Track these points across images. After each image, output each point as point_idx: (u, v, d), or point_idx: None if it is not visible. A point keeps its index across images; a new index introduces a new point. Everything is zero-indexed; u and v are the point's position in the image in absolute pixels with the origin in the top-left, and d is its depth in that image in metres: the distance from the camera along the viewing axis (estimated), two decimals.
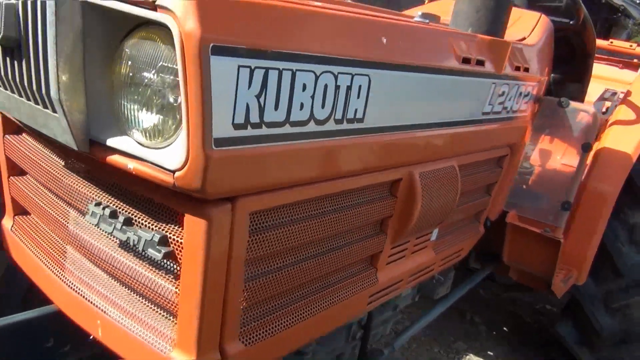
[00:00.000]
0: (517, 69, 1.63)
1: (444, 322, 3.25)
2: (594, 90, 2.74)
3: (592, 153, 2.08)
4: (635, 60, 3.11)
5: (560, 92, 2.62)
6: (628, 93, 2.53)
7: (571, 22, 2.33)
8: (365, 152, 1.08)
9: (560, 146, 1.92)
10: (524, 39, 1.88)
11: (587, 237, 2.35)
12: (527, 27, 1.95)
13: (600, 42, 4.31)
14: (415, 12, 1.41)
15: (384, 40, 1.04)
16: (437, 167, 1.40)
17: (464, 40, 1.37)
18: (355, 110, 1.01)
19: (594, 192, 2.34)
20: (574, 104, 1.86)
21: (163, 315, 0.97)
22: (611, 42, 4.21)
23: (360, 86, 0.99)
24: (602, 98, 2.77)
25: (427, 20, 1.39)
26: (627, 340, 2.47)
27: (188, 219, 0.85)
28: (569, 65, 2.57)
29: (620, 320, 2.46)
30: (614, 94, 2.64)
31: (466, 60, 1.33)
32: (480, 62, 1.41)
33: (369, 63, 1.00)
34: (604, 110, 2.62)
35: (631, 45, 4.13)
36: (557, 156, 1.92)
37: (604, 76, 3.14)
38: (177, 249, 0.89)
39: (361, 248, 1.28)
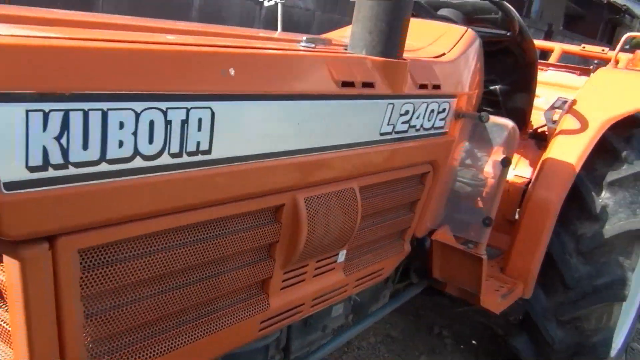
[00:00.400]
0: (424, 86, 1.63)
1: (410, 336, 3.23)
2: (553, 99, 2.72)
3: (539, 164, 2.07)
4: (592, 67, 3.09)
5: (508, 103, 2.63)
6: (573, 102, 2.52)
7: (508, 34, 2.33)
8: (221, 182, 1.09)
9: (482, 161, 1.90)
10: (442, 55, 1.87)
11: (531, 249, 2.33)
12: (450, 43, 1.95)
13: (572, 48, 4.30)
14: (302, 37, 1.41)
15: (232, 72, 1.05)
16: (328, 191, 1.40)
17: (349, 63, 1.38)
18: (198, 143, 1.01)
19: (537, 203, 2.33)
20: (493, 119, 1.85)
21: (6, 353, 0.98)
22: (583, 47, 4.20)
23: (200, 119, 1.00)
24: (552, 107, 2.75)
25: (313, 45, 1.40)
26: (580, 353, 2.43)
27: (5, 259, 0.86)
28: (514, 75, 2.56)
29: (571, 333, 2.43)
30: (565, 102, 2.63)
31: (347, 84, 1.34)
32: (368, 84, 1.41)
33: (209, 96, 1.01)
34: (554, 119, 2.60)
35: (603, 50, 4.11)
36: (478, 172, 1.90)
37: (561, 84, 3.12)
38: (2, 287, 0.90)
39: (244, 274, 1.29)
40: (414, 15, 2.48)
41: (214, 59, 1.04)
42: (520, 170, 2.65)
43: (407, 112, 1.59)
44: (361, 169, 1.50)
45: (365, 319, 1.94)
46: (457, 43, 1.95)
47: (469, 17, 2.37)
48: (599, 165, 2.48)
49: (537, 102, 3.05)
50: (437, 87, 1.70)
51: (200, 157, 1.03)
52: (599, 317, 2.39)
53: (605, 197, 2.39)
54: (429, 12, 2.37)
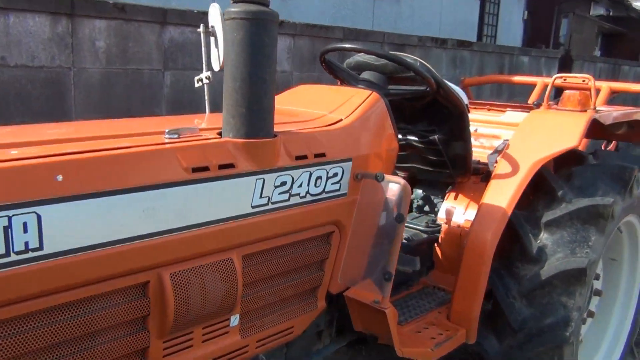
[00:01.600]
0: (302, 157, 1.77)
1: None
2: None
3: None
4: (534, 106, 3.13)
5: (449, 151, 2.72)
6: (507, 145, 2.58)
7: (427, 89, 2.44)
8: (57, 272, 1.27)
9: (381, 219, 2.00)
10: (338, 121, 2.01)
11: (470, 293, 2.38)
12: (350, 108, 2.09)
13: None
14: (165, 129, 1.59)
15: (60, 178, 1.25)
16: (198, 264, 1.55)
17: (205, 149, 1.55)
18: (26, 242, 1.20)
19: (472, 248, 2.39)
20: (388, 177, 1.95)
21: None
22: (565, 80, 4.23)
23: (25, 223, 1.19)
24: (495, 150, 2.82)
25: (177, 135, 1.59)
26: None
27: None
28: (449, 124, 2.66)
29: None
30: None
31: (200, 169, 1.50)
32: (227, 166, 1.57)
33: (35, 202, 1.21)
34: (495, 163, 2.66)
35: (584, 80, 4.13)
36: (378, 229, 2.00)
37: (517, 123, 3.17)
38: None
39: (121, 345, 1.45)
40: (339, 79, 2.66)
41: (41, 169, 1.24)
42: (470, 214, 2.70)
43: (284, 184, 1.73)
44: (237, 240, 1.65)
45: None
46: (357, 107, 2.09)
47: (391, 77, 2.50)
48: (540, 205, 2.50)
49: (497, 143, 3.12)
50: (320, 155, 1.84)
51: (31, 254, 1.21)
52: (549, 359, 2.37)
53: (543, 238, 2.41)
54: (352, 77, 2.53)
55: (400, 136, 2.84)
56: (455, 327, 2.39)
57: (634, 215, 2.82)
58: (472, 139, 3.36)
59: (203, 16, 2.60)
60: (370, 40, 4.78)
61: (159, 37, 3.34)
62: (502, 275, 2.44)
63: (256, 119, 1.64)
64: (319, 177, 1.85)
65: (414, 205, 3.10)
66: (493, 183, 2.51)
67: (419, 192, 3.07)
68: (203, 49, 2.24)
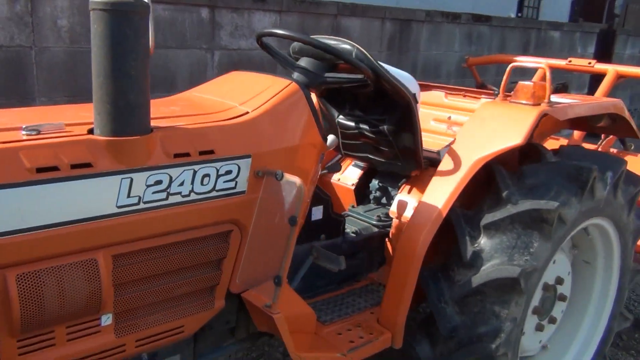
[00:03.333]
0: (183, 155, 1.69)
1: None
2: None
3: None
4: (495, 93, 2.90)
5: (399, 143, 2.58)
6: (453, 141, 2.41)
7: (365, 78, 2.31)
8: None
9: (277, 220, 1.90)
10: (243, 114, 1.91)
11: (397, 296, 2.28)
12: (262, 100, 1.98)
13: (558, 62, 4.06)
14: (23, 125, 1.54)
15: None
16: (54, 265, 1.51)
17: (56, 148, 1.49)
18: None
19: (402, 249, 2.27)
20: (287, 176, 1.84)
21: None
22: (570, 61, 3.98)
23: None
24: (448, 145, 2.64)
25: (36, 132, 1.53)
26: None
27: None
28: (397, 115, 2.52)
29: None
30: None
31: (48, 169, 1.45)
32: (83, 165, 1.51)
33: None
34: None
35: (590, 63, 3.86)
36: (274, 231, 1.90)
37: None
38: None
39: None
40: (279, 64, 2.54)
41: None
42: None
43: (159, 182, 1.66)
44: (101, 240, 1.59)
45: None
46: (269, 99, 1.98)
47: (330, 64, 2.36)
48: (485, 206, 2.33)
49: None
50: (208, 152, 1.75)
51: None
52: None
53: (481, 242, 2.25)
54: (289, 63, 2.40)
55: (353, 124, 2.72)
56: (381, 331, 2.29)
57: (603, 219, 2.59)
58: (445, 127, 3.19)
59: None
60: (369, 16, 4.57)
61: None
62: (437, 279, 2.30)
63: (122, 115, 1.57)
64: (207, 175, 1.76)
65: (371, 197, 2.97)
66: (434, 180, 2.35)
67: (375, 183, 2.93)
68: None
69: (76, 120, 1.70)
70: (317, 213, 2.46)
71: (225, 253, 1.90)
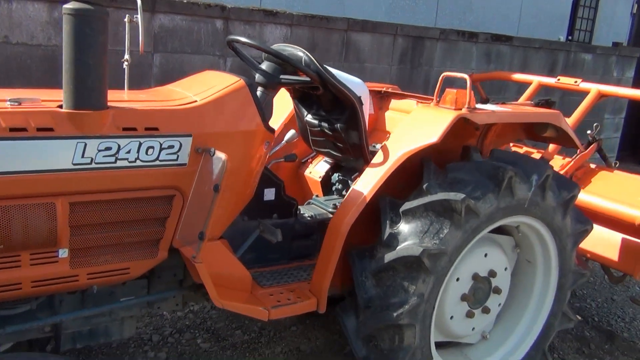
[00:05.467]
0: (131, 129, 2.15)
1: (319, 353, 3.51)
2: None
3: None
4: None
5: (349, 140, 2.96)
6: (388, 136, 2.75)
7: (311, 81, 2.70)
8: None
9: (208, 187, 2.31)
10: (192, 102, 2.36)
11: (324, 267, 2.63)
12: (209, 93, 2.42)
13: (548, 80, 4.28)
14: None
15: None
16: (21, 203, 2.00)
17: (28, 115, 1.99)
18: None
19: (330, 229, 2.64)
20: (217, 153, 2.26)
21: None
22: (558, 80, 4.20)
23: None
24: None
25: (17, 103, 2.04)
26: None
27: None
28: (345, 114, 2.90)
29: (373, 352, 2.61)
30: None
31: (18, 130, 1.95)
32: (47, 129, 2.00)
33: None
34: None
35: (575, 82, 4.08)
36: (206, 196, 2.31)
37: None
38: None
39: None
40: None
41: None
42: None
43: (108, 149, 2.13)
44: (60, 189, 2.08)
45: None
46: (216, 92, 2.42)
47: (287, 68, 2.77)
48: (412, 196, 2.65)
49: None
50: (152, 129, 2.21)
51: None
52: (391, 337, 2.54)
53: (400, 225, 2.57)
54: (253, 65, 2.83)
55: (317, 122, 3.11)
56: (309, 296, 2.65)
57: (532, 219, 2.83)
58: None
59: None
60: (379, 32, 4.93)
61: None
62: (363, 257, 2.64)
63: (81, 94, 2.05)
64: (151, 147, 2.21)
65: (334, 189, 3.34)
66: (366, 171, 2.70)
67: (336, 176, 3.30)
68: (126, 35, 2.70)
69: (55, 98, 2.21)
70: (269, 194, 2.87)
71: (169, 213, 2.35)
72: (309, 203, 3.25)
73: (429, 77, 5.52)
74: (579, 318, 3.31)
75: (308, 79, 2.71)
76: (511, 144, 4.32)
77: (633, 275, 3.31)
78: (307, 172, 3.48)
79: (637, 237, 3.20)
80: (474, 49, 5.71)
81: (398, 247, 2.50)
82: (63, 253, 2.17)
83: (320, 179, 3.37)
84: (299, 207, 3.27)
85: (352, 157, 3.02)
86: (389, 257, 2.50)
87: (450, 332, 2.92)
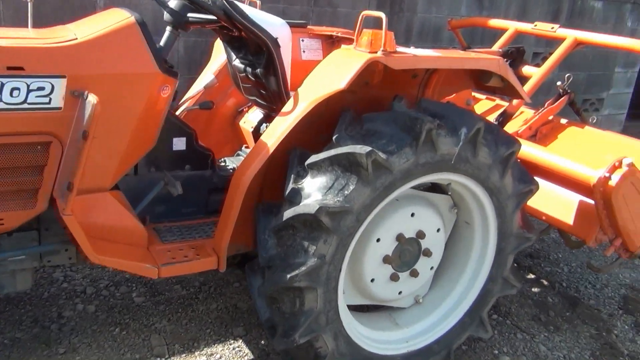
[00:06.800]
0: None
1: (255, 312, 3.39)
2: None
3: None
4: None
5: (269, 86, 2.73)
6: (302, 83, 2.51)
7: (215, 19, 2.47)
8: None
9: (79, 135, 2.12)
10: (71, 40, 2.16)
11: (224, 225, 2.45)
12: (94, 30, 2.22)
13: (525, 26, 3.94)
14: None
15: None
16: None
17: None
18: None
19: (232, 183, 2.44)
20: (90, 96, 2.07)
21: None
22: (535, 26, 3.87)
23: None
24: None
25: None
26: (276, 334, 2.45)
27: None
28: (262, 59, 2.66)
29: (276, 314, 2.46)
30: None
31: None
32: None
33: None
34: None
35: (552, 28, 3.74)
36: (76, 143, 2.13)
37: None
38: None
39: None
40: None
41: None
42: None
43: None
44: None
45: None
46: (99, 30, 2.21)
47: (195, 7, 2.53)
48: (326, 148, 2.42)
49: None
50: (17, 68, 2.02)
51: None
52: (291, 300, 2.37)
53: (306, 180, 2.35)
54: (161, 3, 2.59)
55: (242, 67, 2.88)
56: (209, 254, 2.49)
57: (463, 177, 2.57)
58: None
59: None
60: None
61: None
62: (268, 212, 2.44)
63: None
64: (16, 89, 2.03)
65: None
66: (275, 120, 2.48)
67: (264, 126, 3.08)
68: None
69: None
70: (179, 144, 2.68)
71: (46, 161, 2.18)
72: (238, 155, 3.05)
73: (412, 24, 5.15)
74: (520, 285, 3.07)
75: (214, 17, 2.47)
76: (478, 96, 4.01)
77: (585, 241, 3.04)
78: (241, 122, 3.26)
79: (593, 199, 2.91)
80: None
81: (298, 204, 2.30)
82: None
83: (252, 129, 3.16)
84: (225, 158, 3.08)
85: (274, 105, 2.79)
86: (287, 214, 2.29)
87: (373, 295, 2.74)
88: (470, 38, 5.31)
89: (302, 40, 3.39)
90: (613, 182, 2.77)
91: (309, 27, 3.45)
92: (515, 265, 4.25)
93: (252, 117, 3.21)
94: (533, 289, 3.94)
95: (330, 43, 3.50)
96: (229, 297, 3.49)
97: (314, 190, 2.31)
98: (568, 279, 4.15)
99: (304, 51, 3.37)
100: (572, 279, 4.15)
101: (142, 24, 2.26)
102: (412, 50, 2.50)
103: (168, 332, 3.13)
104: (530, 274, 4.16)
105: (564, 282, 4.08)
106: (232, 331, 3.19)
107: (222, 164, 3.01)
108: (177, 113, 3.06)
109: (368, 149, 2.22)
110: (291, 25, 3.32)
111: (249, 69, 2.80)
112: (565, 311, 3.70)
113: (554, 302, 3.80)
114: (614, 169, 2.79)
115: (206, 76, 3.07)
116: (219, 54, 3.27)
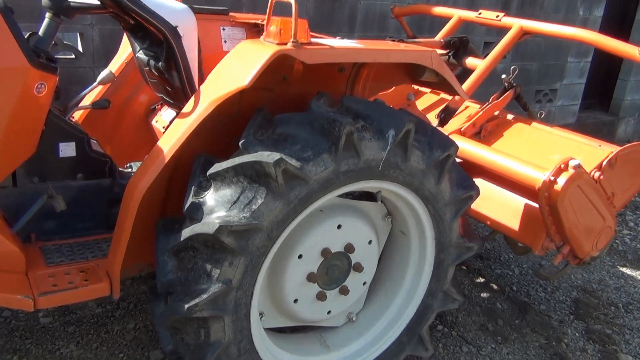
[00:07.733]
0: None
1: None
2: None
3: None
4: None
5: (172, 81, 2.39)
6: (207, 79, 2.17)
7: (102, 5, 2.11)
8: None
9: None
10: None
11: (115, 246, 2.11)
12: None
13: (469, 15, 3.69)
14: None
15: None
16: None
17: None
18: None
19: (125, 197, 2.10)
20: None
21: None
22: (480, 14, 3.60)
23: None
24: None
25: None
26: None
27: None
28: (162, 52, 2.32)
29: (179, 345, 2.13)
30: None
31: None
32: None
33: None
34: None
35: (497, 16, 3.48)
36: None
37: None
38: None
39: None
40: None
41: None
42: None
43: None
44: None
45: None
46: None
47: None
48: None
49: None
50: None
51: None
52: (195, 331, 2.05)
53: (209, 192, 2.03)
54: None
55: (146, 60, 2.52)
56: (100, 279, 2.14)
57: (393, 184, 2.28)
58: None
59: None
60: None
61: None
62: (168, 230, 2.11)
63: None
64: None
65: None
66: (174, 122, 2.14)
67: None
68: None
69: None
70: (67, 150, 2.31)
71: None
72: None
73: (355, 11, 4.83)
74: (462, 299, 2.82)
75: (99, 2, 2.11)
76: (429, 91, 3.73)
77: (532, 249, 2.80)
78: (153, 121, 2.90)
79: (538, 203, 2.66)
80: None
81: (199, 221, 1.97)
82: None
83: (164, 130, 2.80)
84: (132, 163, 2.72)
85: (181, 103, 2.44)
86: (186, 233, 1.97)
87: (297, 317, 2.44)
88: (417, 27, 5.04)
89: (224, 29, 3.04)
90: (559, 185, 2.53)
91: (231, 14, 3.10)
92: (465, 268, 4.02)
93: (165, 115, 2.86)
94: (482, 295, 3.71)
95: (256, 32, 3.16)
96: (151, 314, 3.14)
97: (216, 205, 1.98)
98: (519, 282, 3.94)
99: (225, 41, 3.02)
100: (522, 282, 3.94)
101: (4, 10, 1.89)
102: (329, 42, 2.19)
103: (75, 357, 2.78)
104: (480, 278, 3.93)
105: (514, 286, 3.87)
106: (149, 355, 2.85)
107: (128, 169, 2.65)
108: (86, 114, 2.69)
109: (277, 156, 1.90)
110: (210, 12, 2.98)
111: (152, 62, 2.45)
112: (514, 318, 3.48)
113: (503, 308, 3.58)
114: (559, 171, 2.54)
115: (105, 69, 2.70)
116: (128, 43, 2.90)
